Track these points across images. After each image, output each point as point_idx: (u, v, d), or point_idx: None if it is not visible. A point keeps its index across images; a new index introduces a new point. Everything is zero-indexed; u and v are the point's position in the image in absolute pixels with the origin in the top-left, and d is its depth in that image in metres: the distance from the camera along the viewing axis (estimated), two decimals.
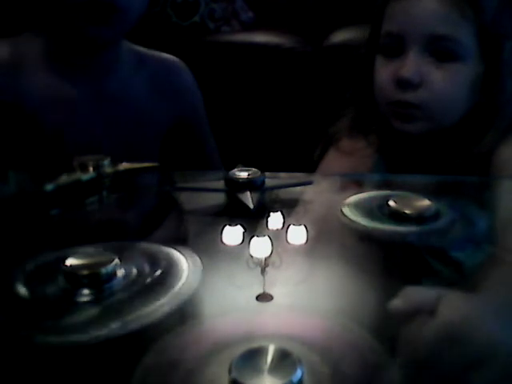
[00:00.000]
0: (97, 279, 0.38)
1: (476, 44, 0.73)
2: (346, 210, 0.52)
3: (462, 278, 0.45)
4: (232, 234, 0.45)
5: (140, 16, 0.81)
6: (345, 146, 0.86)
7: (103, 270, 0.38)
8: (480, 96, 0.76)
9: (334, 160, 0.86)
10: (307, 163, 0.91)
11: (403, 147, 0.81)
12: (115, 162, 0.59)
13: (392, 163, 0.82)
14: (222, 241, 0.45)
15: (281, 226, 0.47)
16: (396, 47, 0.76)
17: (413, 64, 0.74)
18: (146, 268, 0.41)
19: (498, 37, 0.74)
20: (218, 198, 0.56)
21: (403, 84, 0.74)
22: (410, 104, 0.75)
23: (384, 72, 0.78)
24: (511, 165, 0.72)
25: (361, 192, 0.57)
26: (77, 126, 0.81)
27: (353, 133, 0.86)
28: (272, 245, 0.40)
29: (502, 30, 0.74)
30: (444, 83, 0.74)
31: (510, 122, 0.76)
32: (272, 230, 0.46)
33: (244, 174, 0.55)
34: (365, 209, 0.52)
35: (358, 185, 0.67)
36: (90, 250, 0.42)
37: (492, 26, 0.73)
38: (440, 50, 0.73)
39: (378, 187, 0.59)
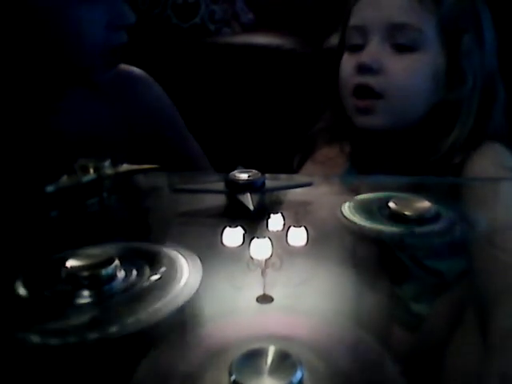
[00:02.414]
0: (97, 280, 0.38)
1: (437, 34, 0.75)
2: (346, 212, 0.52)
3: (444, 286, 0.45)
4: (232, 236, 0.45)
5: None
6: (318, 155, 0.87)
7: (103, 272, 0.38)
8: (444, 91, 0.76)
9: (308, 170, 0.87)
10: None
11: (372, 153, 0.81)
12: (116, 163, 0.59)
13: (363, 172, 0.82)
14: (222, 242, 0.45)
15: (281, 227, 0.47)
16: (360, 41, 0.77)
17: (373, 51, 0.75)
18: (146, 269, 0.41)
19: (457, 29, 0.75)
20: (218, 200, 0.56)
21: (363, 70, 0.75)
22: (368, 89, 0.75)
23: (347, 63, 0.79)
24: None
25: (361, 193, 0.57)
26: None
27: (330, 140, 0.87)
28: (272, 246, 0.40)
29: (460, 22, 0.75)
30: (404, 72, 0.75)
31: (479, 124, 0.76)
32: (272, 231, 0.46)
33: (244, 176, 0.55)
34: (365, 210, 0.52)
35: (358, 186, 0.67)
36: (89, 251, 0.42)
37: (451, 17, 0.75)
38: (400, 42, 0.74)
39: (378, 189, 0.59)
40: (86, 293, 0.38)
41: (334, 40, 1.26)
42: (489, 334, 0.36)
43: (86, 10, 0.67)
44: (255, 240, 0.41)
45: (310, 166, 0.88)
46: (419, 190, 0.57)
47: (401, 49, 0.75)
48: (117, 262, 0.39)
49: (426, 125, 0.77)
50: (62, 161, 0.59)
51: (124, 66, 0.85)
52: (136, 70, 0.89)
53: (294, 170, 0.90)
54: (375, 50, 0.75)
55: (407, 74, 0.75)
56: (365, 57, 0.75)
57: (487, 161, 0.74)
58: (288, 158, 0.93)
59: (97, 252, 0.41)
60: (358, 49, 0.78)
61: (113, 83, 0.80)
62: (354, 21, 0.80)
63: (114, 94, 0.82)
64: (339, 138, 0.86)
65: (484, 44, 0.77)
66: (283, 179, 0.62)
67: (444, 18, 0.74)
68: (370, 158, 0.82)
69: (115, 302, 0.37)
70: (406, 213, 0.49)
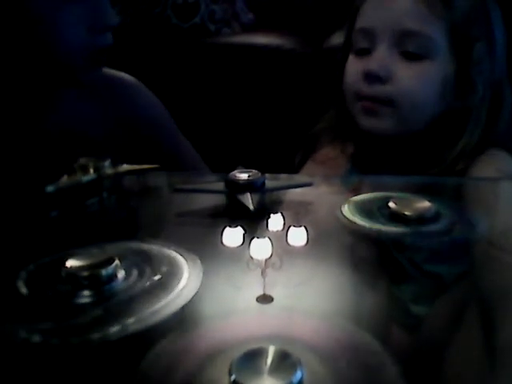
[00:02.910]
0: (97, 281, 0.38)
1: (447, 42, 0.73)
2: (346, 212, 0.52)
3: (444, 287, 0.45)
4: (232, 236, 0.45)
5: None
6: (319, 155, 0.86)
7: (103, 272, 0.38)
8: (452, 99, 0.75)
9: (308, 170, 0.86)
10: None
11: (376, 156, 0.81)
12: (116, 163, 0.59)
13: (364, 173, 0.81)
14: (222, 242, 0.45)
15: (281, 227, 0.47)
16: (367, 45, 0.76)
17: (381, 58, 0.73)
18: (147, 269, 0.41)
19: (469, 37, 0.74)
20: (218, 200, 0.56)
21: (370, 77, 0.74)
22: (376, 99, 0.74)
23: (353, 68, 0.77)
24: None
25: (361, 193, 0.57)
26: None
27: (333, 139, 0.86)
28: (272, 246, 0.40)
29: (472, 30, 0.74)
30: (412, 80, 0.73)
31: (486, 132, 0.75)
32: (272, 231, 0.46)
33: (244, 176, 0.55)
34: (365, 210, 0.52)
35: (358, 186, 0.67)
36: (90, 251, 0.42)
37: (463, 25, 0.73)
38: (409, 49, 0.73)
39: (378, 189, 0.59)
40: (86, 293, 0.38)
41: (335, 40, 1.26)
42: (495, 337, 0.36)
43: (67, 12, 0.67)
44: (255, 240, 0.41)
45: (311, 165, 0.87)
46: (419, 190, 0.57)
47: (410, 57, 0.73)
48: (117, 261, 0.39)
49: (432, 132, 0.76)
50: (56, 160, 0.59)
51: (115, 72, 0.86)
52: (126, 76, 0.89)
53: (294, 169, 0.89)
54: (383, 57, 0.73)
55: (416, 83, 0.73)
56: (373, 64, 0.73)
57: (490, 168, 0.73)
58: (288, 158, 0.93)
59: (97, 252, 0.41)
60: (365, 53, 0.76)
61: (104, 87, 0.80)
62: (361, 23, 0.78)
63: (105, 97, 0.82)
64: (342, 137, 0.85)
65: (495, 52, 0.76)
66: (283, 179, 0.62)
67: (455, 26, 0.72)
68: (372, 160, 0.81)
69: (115, 302, 0.37)
70: (406, 213, 0.49)
